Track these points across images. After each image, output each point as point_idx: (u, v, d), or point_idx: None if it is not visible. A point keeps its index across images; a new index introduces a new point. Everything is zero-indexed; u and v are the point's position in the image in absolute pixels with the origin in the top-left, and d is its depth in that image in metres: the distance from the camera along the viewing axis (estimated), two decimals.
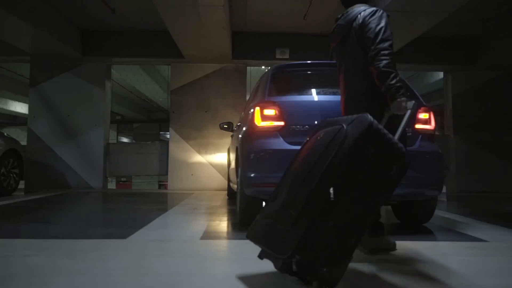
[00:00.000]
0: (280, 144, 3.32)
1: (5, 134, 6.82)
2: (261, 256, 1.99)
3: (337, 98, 3.46)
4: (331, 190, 1.79)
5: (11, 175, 6.50)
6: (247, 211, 3.59)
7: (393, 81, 2.29)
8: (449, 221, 4.14)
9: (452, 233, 3.55)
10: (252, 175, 3.33)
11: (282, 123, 3.37)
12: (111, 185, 19.10)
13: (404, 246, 2.80)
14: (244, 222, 3.68)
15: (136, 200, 6.31)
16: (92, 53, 7.90)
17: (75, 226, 3.81)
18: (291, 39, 7.92)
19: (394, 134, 2.09)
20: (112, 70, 11.52)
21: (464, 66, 8.28)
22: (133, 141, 22.55)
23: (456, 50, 8.16)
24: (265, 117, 3.41)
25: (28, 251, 2.62)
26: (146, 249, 2.74)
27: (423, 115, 3.52)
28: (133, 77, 13.32)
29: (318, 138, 2.08)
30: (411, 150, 3.21)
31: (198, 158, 8.15)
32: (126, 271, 2.18)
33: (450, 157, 8.41)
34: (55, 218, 4.39)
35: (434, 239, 3.30)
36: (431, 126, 3.55)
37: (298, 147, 3.38)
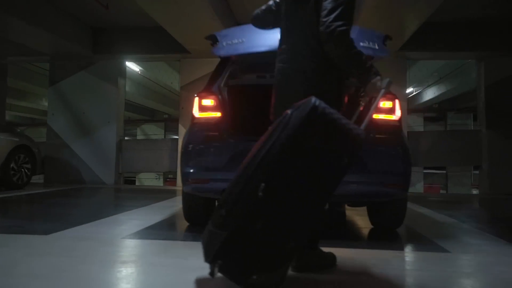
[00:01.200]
0: (217, 137, 3.05)
1: (18, 130, 7.14)
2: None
3: None
4: (261, 186, 1.56)
5: (22, 170, 6.77)
6: (188, 209, 3.34)
7: (363, 63, 1.94)
8: (437, 227, 3.63)
9: (423, 241, 3.08)
10: (187, 170, 3.09)
11: (219, 114, 3.08)
12: (159, 182, 19.58)
13: (345, 254, 2.34)
14: (188, 221, 3.45)
15: (132, 197, 6.29)
16: (103, 51, 8.04)
17: (26, 220, 3.78)
18: None
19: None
20: (140, 68, 11.84)
21: (499, 52, 7.30)
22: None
23: (490, 34, 7.20)
24: (202, 108, 3.15)
25: None
26: (47, 247, 2.58)
27: (385, 104, 3.05)
28: (164, 75, 13.49)
29: (269, 128, 1.79)
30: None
31: None
32: None
33: (483, 154, 7.49)
34: (21, 212, 4.38)
35: (392, 248, 2.81)
36: (395, 117, 3.08)
37: (237, 141, 3.12)
